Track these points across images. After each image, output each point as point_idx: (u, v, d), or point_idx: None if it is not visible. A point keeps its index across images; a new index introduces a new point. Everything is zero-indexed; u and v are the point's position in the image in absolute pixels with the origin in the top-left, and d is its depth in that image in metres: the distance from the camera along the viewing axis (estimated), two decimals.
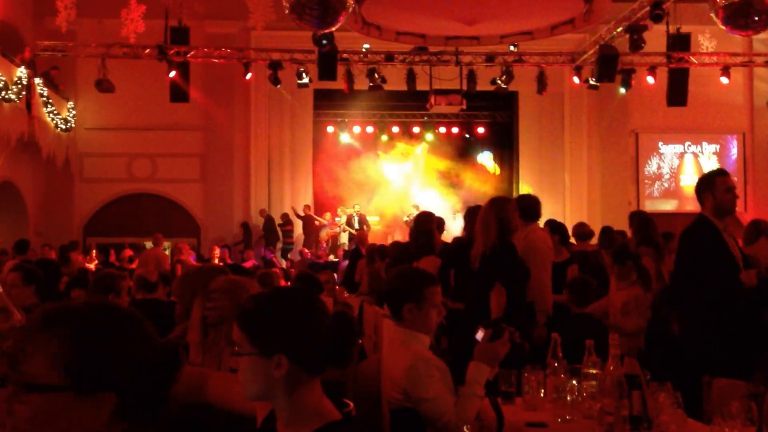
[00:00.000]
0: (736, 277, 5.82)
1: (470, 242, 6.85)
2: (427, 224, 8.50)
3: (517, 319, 6.13)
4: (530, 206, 7.40)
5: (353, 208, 21.32)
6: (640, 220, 8.95)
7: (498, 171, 23.48)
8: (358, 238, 14.80)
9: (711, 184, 6.00)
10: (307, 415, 2.28)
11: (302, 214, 20.93)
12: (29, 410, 1.69)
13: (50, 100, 18.30)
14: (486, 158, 23.69)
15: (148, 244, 17.46)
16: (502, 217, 6.43)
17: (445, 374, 3.92)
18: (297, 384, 2.27)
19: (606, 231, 11.23)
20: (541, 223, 8.12)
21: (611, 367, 3.65)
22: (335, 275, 12.21)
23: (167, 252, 18.43)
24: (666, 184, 22.06)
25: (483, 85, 18.86)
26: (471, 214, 7.49)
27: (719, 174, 6.18)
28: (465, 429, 3.74)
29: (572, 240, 10.50)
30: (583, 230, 10.66)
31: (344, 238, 21.07)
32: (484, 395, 3.79)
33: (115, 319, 1.80)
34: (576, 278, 7.24)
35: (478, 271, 6.47)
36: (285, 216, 21.06)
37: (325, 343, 2.32)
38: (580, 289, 6.85)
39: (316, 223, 21.12)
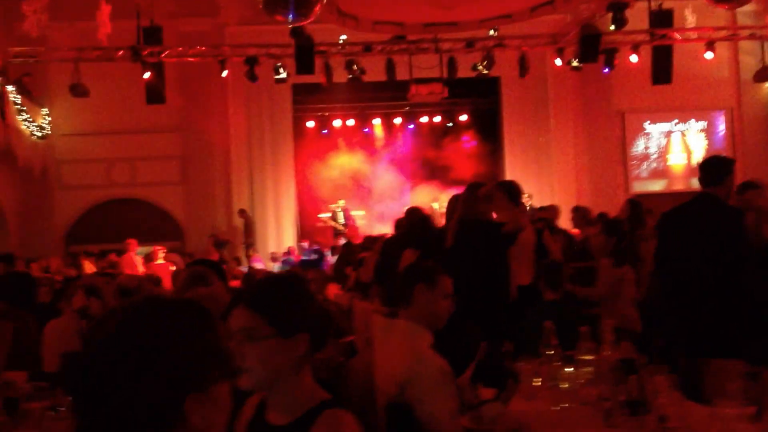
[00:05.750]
0: None
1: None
2: (402, 222, 8.67)
3: (497, 297, 6.46)
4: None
5: (338, 203, 21.07)
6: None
7: None
8: (349, 233, 14.60)
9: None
10: (304, 397, 2.42)
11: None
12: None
13: (24, 108, 18.04)
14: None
15: None
16: (475, 198, 6.65)
17: (446, 376, 3.80)
18: (303, 364, 2.44)
19: (603, 217, 11.20)
20: None
21: (606, 353, 3.83)
22: (324, 272, 12.12)
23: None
24: (654, 164, 21.90)
25: (464, 72, 18.66)
26: (450, 203, 7.48)
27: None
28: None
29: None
30: (587, 215, 10.64)
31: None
32: None
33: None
34: (548, 263, 7.06)
35: (451, 246, 6.57)
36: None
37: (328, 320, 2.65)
38: (552, 275, 6.64)
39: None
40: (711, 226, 5.86)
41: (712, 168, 6.04)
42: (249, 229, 20.49)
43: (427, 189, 21.26)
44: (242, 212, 20.60)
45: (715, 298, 5.67)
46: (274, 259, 19.14)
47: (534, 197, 18.24)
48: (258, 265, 17.51)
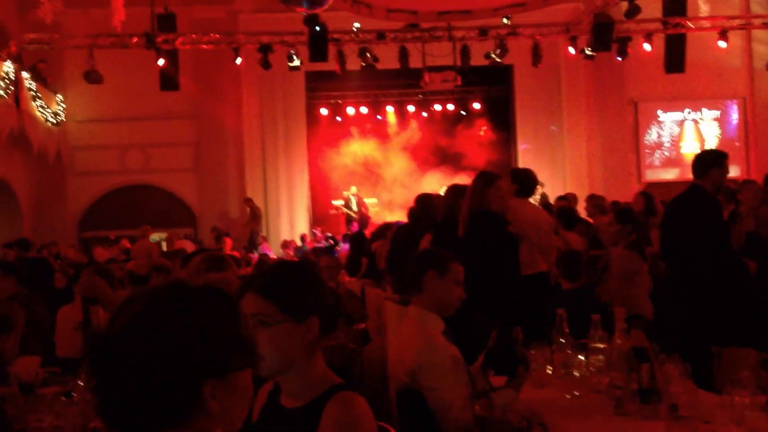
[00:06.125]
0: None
1: (450, 221, 6.71)
2: (414, 209, 8.56)
3: (507, 288, 6.22)
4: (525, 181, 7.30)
5: (350, 190, 21.13)
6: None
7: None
8: (361, 220, 14.55)
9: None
10: (316, 381, 2.46)
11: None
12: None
13: (39, 94, 18.12)
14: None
15: None
16: (488, 189, 6.37)
17: (458, 364, 3.76)
18: (315, 348, 2.47)
19: (616, 206, 11.19)
20: None
21: (618, 341, 3.72)
22: (337, 259, 12.10)
23: (163, 244, 18.25)
24: (667, 153, 21.87)
25: (477, 60, 18.61)
26: (450, 192, 7.27)
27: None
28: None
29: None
30: (601, 203, 10.63)
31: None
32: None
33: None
34: (566, 252, 7.00)
35: (463, 238, 6.34)
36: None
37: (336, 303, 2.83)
38: (570, 264, 6.50)
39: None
40: (693, 217, 6.10)
41: (699, 161, 6.34)
42: (255, 218, 20.55)
43: (439, 176, 21.25)
44: (249, 201, 20.61)
45: (716, 289, 5.82)
46: (285, 246, 19.19)
47: (546, 186, 18.24)
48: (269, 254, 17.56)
